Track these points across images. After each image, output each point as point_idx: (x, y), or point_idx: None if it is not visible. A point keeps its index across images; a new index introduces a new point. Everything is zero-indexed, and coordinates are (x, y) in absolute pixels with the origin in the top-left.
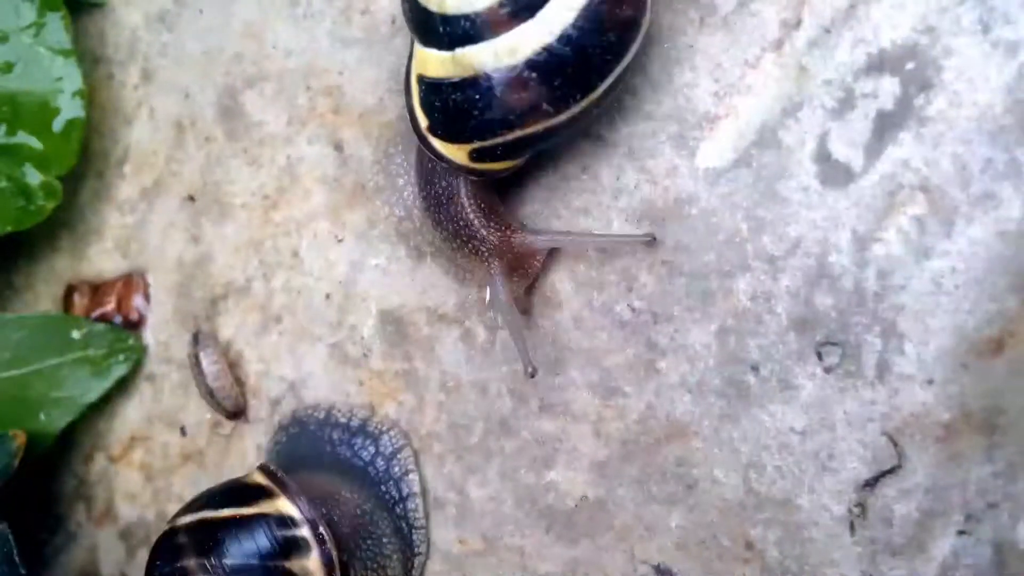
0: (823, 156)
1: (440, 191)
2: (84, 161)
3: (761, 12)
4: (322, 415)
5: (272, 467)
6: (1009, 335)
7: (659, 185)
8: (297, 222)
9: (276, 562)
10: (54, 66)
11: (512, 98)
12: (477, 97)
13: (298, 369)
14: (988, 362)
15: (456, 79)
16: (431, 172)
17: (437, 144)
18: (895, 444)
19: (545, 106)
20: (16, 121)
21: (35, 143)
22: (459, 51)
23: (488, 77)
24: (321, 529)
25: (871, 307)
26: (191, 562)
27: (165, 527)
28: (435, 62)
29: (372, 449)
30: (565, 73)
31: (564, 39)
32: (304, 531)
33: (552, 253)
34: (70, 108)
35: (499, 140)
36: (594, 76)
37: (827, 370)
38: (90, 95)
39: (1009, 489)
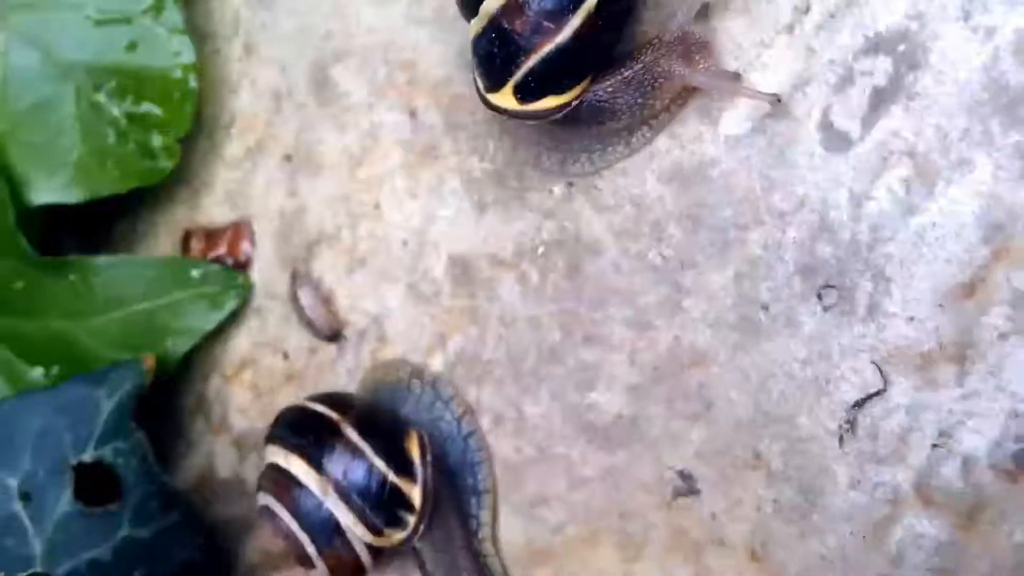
0: (826, 125)
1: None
2: (197, 125)
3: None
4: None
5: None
6: (980, 281)
7: (686, 149)
8: (378, 178)
9: (388, 471)
10: (171, 43)
11: (517, 24)
12: (494, 35)
13: (380, 304)
14: (961, 303)
15: (482, 31)
16: None
17: (493, 99)
18: (881, 371)
19: (545, 23)
20: (140, 92)
21: (157, 111)
22: (481, 8)
23: (497, 16)
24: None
25: (864, 256)
26: (319, 408)
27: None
28: (474, 27)
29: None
30: None
31: None
32: (417, 463)
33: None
34: (185, 80)
35: (524, 70)
36: None
37: (826, 309)
38: (201, 68)
39: (974, 409)
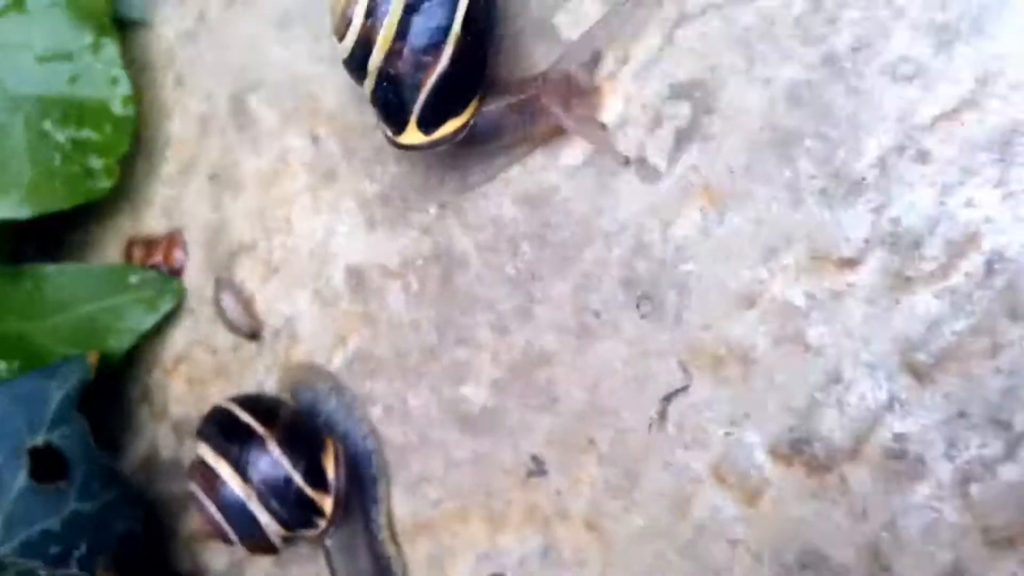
0: (641, 160)
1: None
2: (138, 146)
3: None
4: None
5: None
6: (758, 295)
7: (534, 177)
8: (288, 197)
9: (305, 485)
10: (109, 77)
11: (400, 67)
12: (385, 84)
13: (292, 308)
14: (744, 313)
15: (375, 85)
16: None
17: (404, 140)
18: (685, 370)
19: (423, 58)
20: (82, 120)
21: (97, 136)
22: (368, 67)
23: (382, 67)
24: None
25: (671, 272)
26: (247, 418)
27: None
28: (367, 85)
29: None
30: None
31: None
32: (331, 476)
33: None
34: (122, 109)
35: (420, 104)
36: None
37: (643, 316)
38: (138, 95)
39: (757, 404)
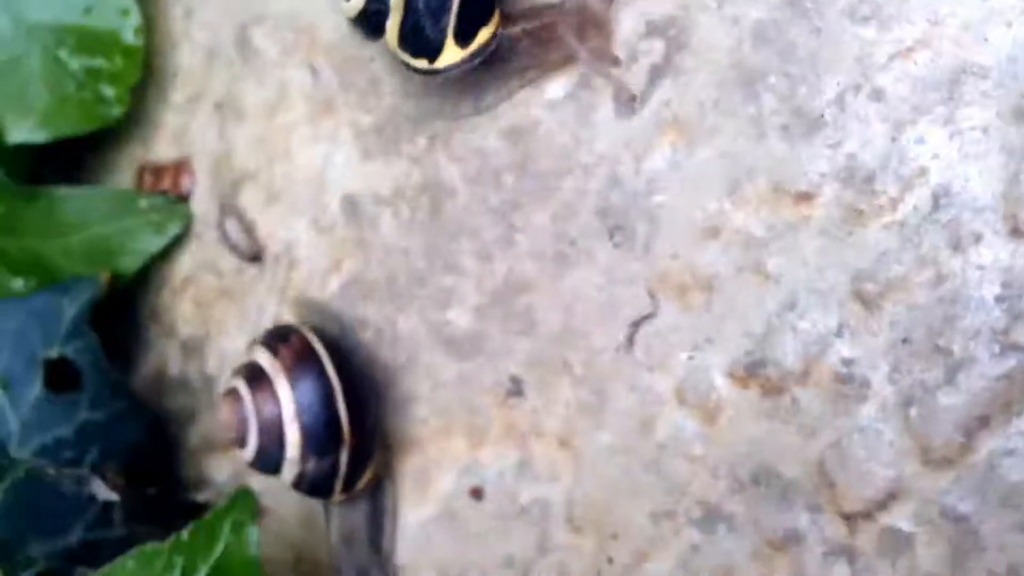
0: (618, 95)
1: None
2: (149, 74)
3: None
4: None
5: None
6: (721, 226)
7: (518, 110)
8: (289, 126)
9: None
10: (120, 8)
11: None
12: (416, 9)
13: (291, 233)
14: (706, 243)
15: (403, 17)
16: None
17: (443, 62)
18: (652, 297)
19: None
20: (95, 49)
21: (108, 65)
22: (391, 5)
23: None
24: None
25: (642, 204)
26: (325, 359)
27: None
28: (391, 25)
29: None
30: None
31: None
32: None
33: None
34: (133, 38)
35: (453, 17)
36: None
37: (615, 246)
38: (148, 26)
39: (717, 329)
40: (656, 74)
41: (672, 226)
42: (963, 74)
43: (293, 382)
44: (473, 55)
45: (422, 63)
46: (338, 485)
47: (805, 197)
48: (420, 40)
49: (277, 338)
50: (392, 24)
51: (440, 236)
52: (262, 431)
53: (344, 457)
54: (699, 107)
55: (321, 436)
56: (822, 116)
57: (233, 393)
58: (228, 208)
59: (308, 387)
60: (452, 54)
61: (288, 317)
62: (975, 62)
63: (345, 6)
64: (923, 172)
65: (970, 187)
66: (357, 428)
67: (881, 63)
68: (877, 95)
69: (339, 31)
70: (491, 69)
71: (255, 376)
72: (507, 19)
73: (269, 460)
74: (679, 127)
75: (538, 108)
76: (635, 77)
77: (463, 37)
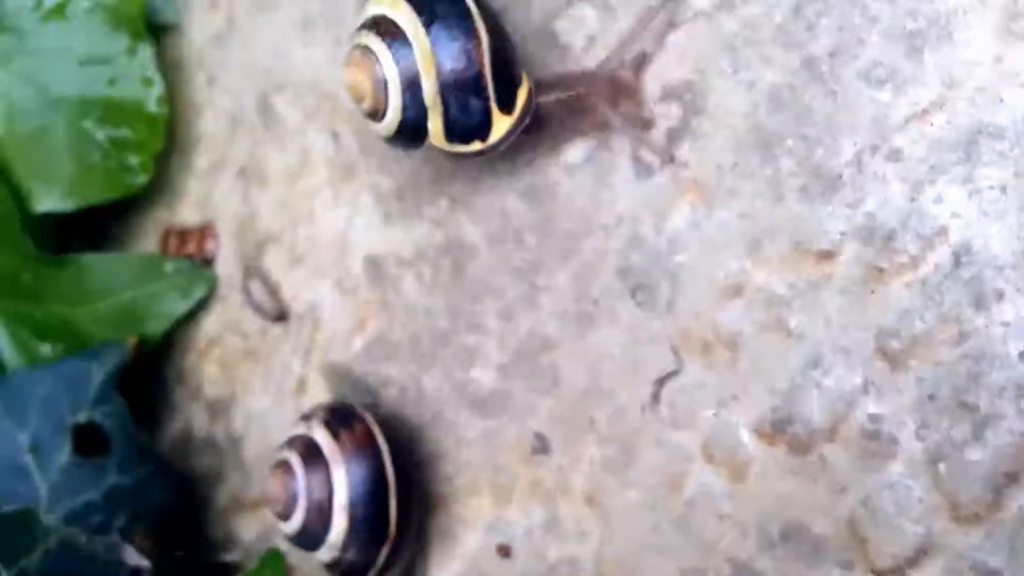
0: (636, 158)
1: None
2: (172, 142)
3: None
4: None
5: None
6: (743, 284)
7: (538, 173)
8: (311, 190)
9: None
10: (144, 78)
11: (459, 68)
12: (453, 91)
13: (315, 295)
14: (729, 301)
15: (443, 105)
16: None
17: (495, 135)
18: (676, 355)
19: (467, 48)
20: (120, 120)
21: (133, 134)
22: (424, 96)
23: (440, 90)
24: None
25: (664, 263)
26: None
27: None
28: (432, 120)
29: None
30: None
31: None
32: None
33: None
34: (156, 108)
35: (490, 82)
36: None
37: (638, 305)
38: (172, 94)
39: (742, 387)
40: (674, 137)
41: (694, 285)
42: (979, 135)
43: (350, 469)
44: (521, 118)
45: (476, 146)
46: (372, 574)
47: (826, 256)
48: (467, 125)
49: (339, 419)
50: (434, 123)
51: (463, 296)
52: (310, 511)
53: (385, 551)
54: (717, 169)
55: (369, 530)
56: (840, 177)
57: (286, 466)
58: (252, 270)
59: (365, 478)
60: (502, 125)
61: (317, 381)
62: (991, 123)
63: (378, 127)
64: (943, 231)
65: (990, 245)
66: (403, 526)
67: (898, 125)
68: (895, 156)
69: None
70: (527, 139)
71: (311, 454)
72: (540, 88)
73: (310, 540)
74: (698, 188)
75: (556, 170)
76: (654, 139)
77: (506, 104)
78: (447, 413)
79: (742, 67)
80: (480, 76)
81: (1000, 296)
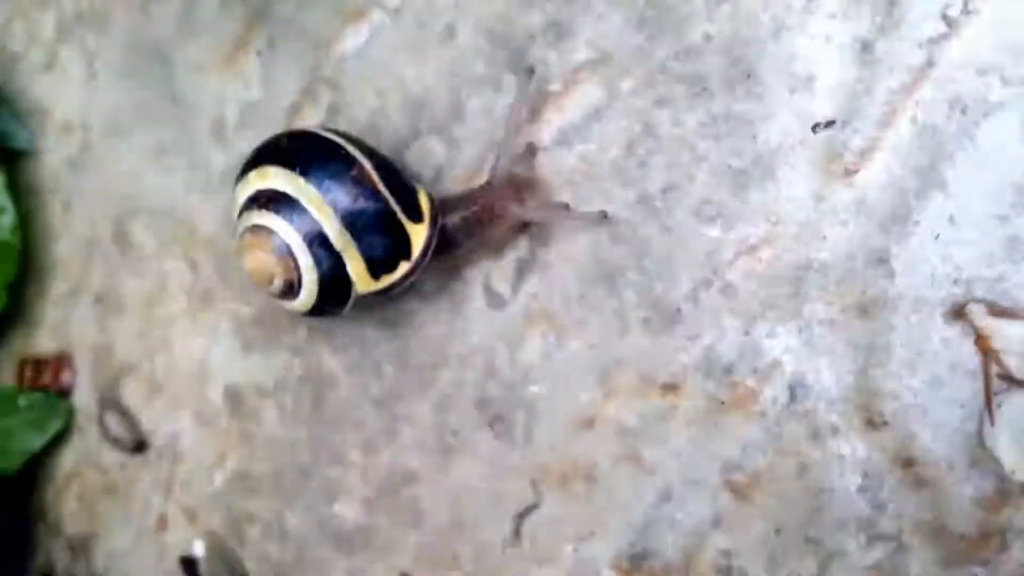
0: (488, 288)
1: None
2: (26, 270)
3: None
4: None
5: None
6: (595, 416)
7: (395, 302)
8: (169, 318)
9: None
10: None
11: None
12: (373, 226)
13: (175, 426)
14: (583, 433)
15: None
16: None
17: (417, 249)
18: (536, 488)
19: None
20: None
21: None
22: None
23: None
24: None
25: (519, 394)
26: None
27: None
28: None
29: None
30: None
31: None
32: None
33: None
34: (9, 236)
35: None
36: None
37: (496, 436)
38: (26, 220)
39: (600, 520)
40: (523, 267)
41: (550, 416)
42: (806, 271)
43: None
44: (433, 224)
45: (403, 268)
46: None
47: (671, 388)
48: (386, 249)
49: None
50: (354, 265)
51: (324, 427)
52: None
53: None
54: (565, 301)
55: None
56: (679, 310)
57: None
58: (109, 402)
59: None
60: (418, 236)
61: (178, 518)
62: (816, 259)
63: (298, 300)
64: (777, 365)
65: (822, 380)
66: None
67: (729, 260)
68: (728, 290)
69: (216, 224)
70: (438, 263)
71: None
72: (443, 211)
73: None
74: (549, 319)
75: (412, 299)
76: (503, 271)
77: (413, 213)
78: (312, 551)
79: (583, 201)
80: (377, 193)
81: (835, 430)
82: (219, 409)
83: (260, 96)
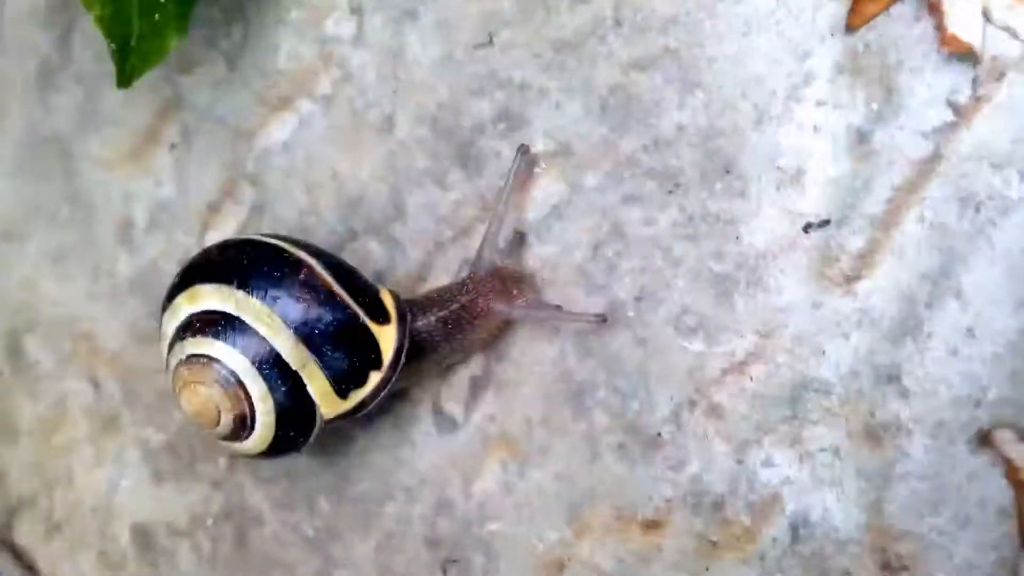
0: (438, 409)
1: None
2: None
3: None
4: None
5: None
6: (567, 558)
7: (329, 427)
8: (69, 446)
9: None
10: None
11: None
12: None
13: (76, 570)
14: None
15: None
16: None
17: (387, 356)
18: None
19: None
20: None
21: None
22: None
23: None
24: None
25: (475, 532)
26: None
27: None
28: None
29: None
30: None
31: None
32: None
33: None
34: None
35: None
36: None
37: None
38: None
39: None
40: (477, 385)
41: (511, 558)
42: (804, 390)
43: None
44: (402, 323)
45: (374, 380)
46: None
47: (653, 525)
48: (351, 361)
49: None
50: (316, 384)
51: (247, 571)
52: None
53: None
54: (526, 423)
55: None
56: (659, 435)
57: None
58: (1, 542)
59: None
60: (387, 339)
61: None
62: (815, 377)
63: (252, 440)
64: (776, 498)
65: (829, 516)
66: None
67: (714, 377)
68: (715, 412)
69: (121, 338)
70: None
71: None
72: (415, 312)
73: None
74: (508, 445)
75: (350, 425)
76: (455, 390)
77: (379, 314)
78: None
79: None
80: (332, 295)
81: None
82: (126, 550)
83: (173, 194)
